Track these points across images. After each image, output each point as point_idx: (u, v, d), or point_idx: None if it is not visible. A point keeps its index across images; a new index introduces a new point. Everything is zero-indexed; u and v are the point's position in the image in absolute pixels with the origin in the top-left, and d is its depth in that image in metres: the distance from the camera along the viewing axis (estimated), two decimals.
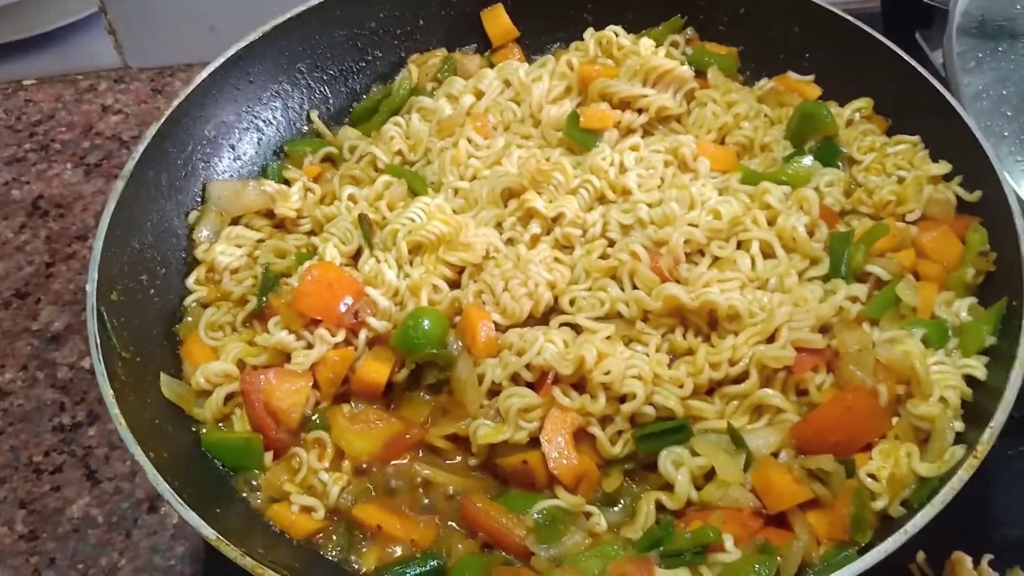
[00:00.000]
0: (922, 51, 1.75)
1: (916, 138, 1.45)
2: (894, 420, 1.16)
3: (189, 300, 1.43)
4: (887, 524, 1.01)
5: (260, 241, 1.49)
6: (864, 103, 1.54)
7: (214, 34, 2.01)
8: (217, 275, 1.44)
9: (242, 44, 1.56)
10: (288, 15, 1.61)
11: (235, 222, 1.52)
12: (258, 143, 1.64)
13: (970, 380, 1.16)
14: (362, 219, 1.43)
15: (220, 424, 1.29)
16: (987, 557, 1.33)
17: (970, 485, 1.04)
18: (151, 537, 1.45)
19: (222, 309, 1.40)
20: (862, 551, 1.05)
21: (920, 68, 1.45)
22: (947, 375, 1.15)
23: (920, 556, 1.35)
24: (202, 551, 1.41)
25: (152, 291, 1.40)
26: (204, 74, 1.53)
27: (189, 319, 1.40)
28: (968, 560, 1.33)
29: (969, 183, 1.36)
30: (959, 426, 1.11)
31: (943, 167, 1.39)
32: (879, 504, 1.08)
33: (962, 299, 1.25)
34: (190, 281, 1.44)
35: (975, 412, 1.11)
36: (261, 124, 1.64)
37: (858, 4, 1.85)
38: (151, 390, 1.28)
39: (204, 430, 1.28)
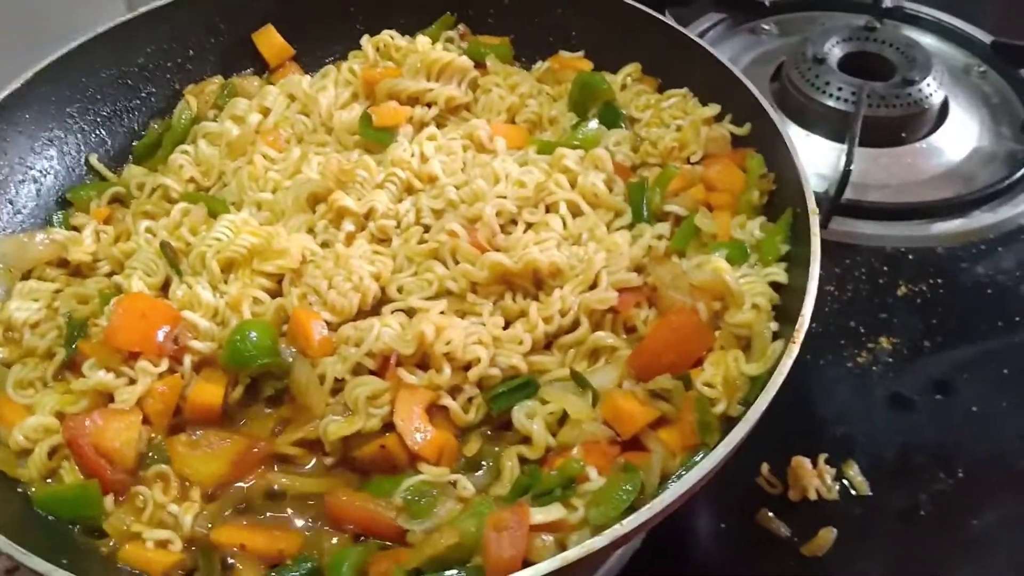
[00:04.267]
0: None
1: (684, 90, 1.57)
2: (716, 333, 1.24)
3: None
4: (731, 424, 1.07)
5: (58, 291, 1.40)
6: (633, 68, 1.64)
7: None
8: (16, 333, 1.34)
9: (3, 94, 1.48)
10: (49, 60, 1.53)
11: (27, 276, 1.42)
12: (37, 194, 1.54)
13: (775, 286, 1.26)
14: (165, 247, 1.37)
15: (48, 480, 1.19)
16: (823, 456, 1.46)
17: (793, 398, 1.11)
18: None
19: (29, 366, 1.30)
20: None
21: (677, 26, 1.57)
22: (754, 284, 1.24)
23: (765, 468, 1.45)
24: None
25: None
26: None
27: None
28: (807, 462, 1.45)
29: (738, 119, 1.49)
30: (774, 326, 1.20)
31: (714, 109, 1.51)
32: (719, 408, 1.15)
33: (753, 219, 1.35)
34: None
35: (786, 312, 1.20)
36: (37, 174, 1.55)
37: None
38: None
39: (32, 489, 1.18)
